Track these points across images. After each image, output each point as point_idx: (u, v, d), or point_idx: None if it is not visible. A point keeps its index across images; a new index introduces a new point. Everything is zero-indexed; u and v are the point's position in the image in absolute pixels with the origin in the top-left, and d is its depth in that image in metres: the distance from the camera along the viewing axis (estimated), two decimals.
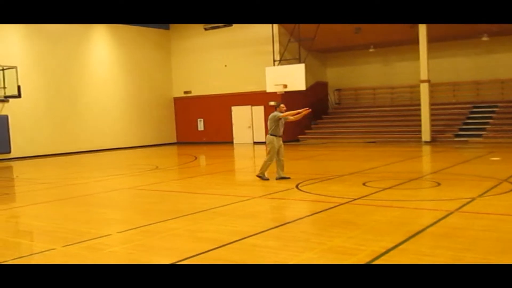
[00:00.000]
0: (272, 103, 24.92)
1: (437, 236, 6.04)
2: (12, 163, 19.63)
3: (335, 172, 12.76)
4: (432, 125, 21.85)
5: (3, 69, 18.07)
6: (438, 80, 24.37)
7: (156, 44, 27.35)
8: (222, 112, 26.74)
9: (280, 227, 6.84)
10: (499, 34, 22.41)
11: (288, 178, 11.39)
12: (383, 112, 25.61)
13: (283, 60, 23.08)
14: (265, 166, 11.43)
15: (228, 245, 5.97)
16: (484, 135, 20.85)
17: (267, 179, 11.38)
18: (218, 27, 25.80)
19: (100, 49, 24.76)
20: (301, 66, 21.57)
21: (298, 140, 25.48)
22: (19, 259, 5.76)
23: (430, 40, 21.97)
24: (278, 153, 11.41)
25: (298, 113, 11.74)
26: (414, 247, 5.59)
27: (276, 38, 23.84)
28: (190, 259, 5.44)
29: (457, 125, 22.46)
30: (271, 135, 11.36)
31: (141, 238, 6.53)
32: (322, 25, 21.43)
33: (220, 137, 26.78)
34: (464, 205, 7.79)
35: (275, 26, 23.77)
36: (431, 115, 22.01)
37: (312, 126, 26.50)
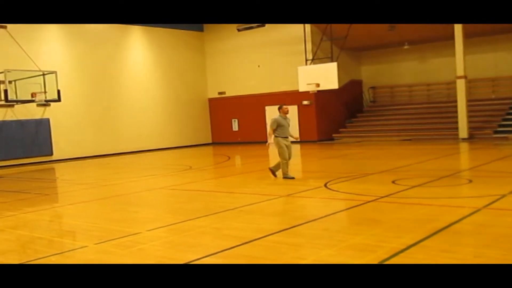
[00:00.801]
0: (305, 102, 25.05)
1: (460, 233, 6.03)
2: (54, 165, 20.35)
3: (365, 170, 12.75)
4: (470, 122, 21.45)
5: (43, 74, 18.75)
6: (477, 76, 23.86)
7: (191, 45, 27.79)
8: (256, 112, 26.93)
9: (304, 224, 6.94)
10: None
11: (293, 177, 11.61)
12: (419, 110, 25.28)
13: (316, 59, 23.09)
14: (285, 167, 11.68)
15: (251, 242, 6.12)
16: None
17: (293, 178, 11.58)
18: (251, 27, 26.00)
19: (137, 51, 25.36)
20: (334, 65, 21.52)
21: (332, 139, 25.43)
22: (52, 256, 6.06)
23: (467, 35, 21.57)
24: None
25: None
26: (435, 244, 5.62)
27: (309, 38, 23.87)
28: (214, 255, 5.63)
29: (496, 121, 21.96)
30: (276, 136, 11.68)
31: (169, 236, 6.76)
32: (354, 24, 21.33)
33: (255, 137, 26.95)
34: (492, 202, 7.71)
35: (307, 25, 23.80)
36: (469, 111, 21.63)
37: (347, 124, 26.40)
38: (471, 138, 20.95)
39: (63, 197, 11.50)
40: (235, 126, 28.09)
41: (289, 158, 11.76)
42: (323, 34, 23.21)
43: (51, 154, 21.41)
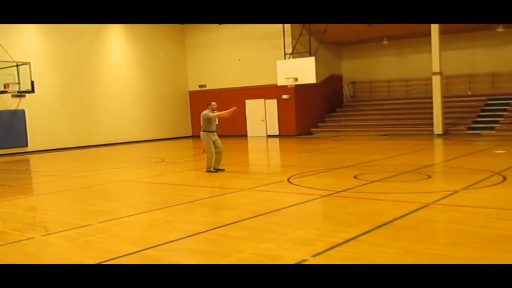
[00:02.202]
0: (285, 96, 25.12)
1: (400, 228, 6.14)
2: (28, 156, 20.26)
3: (333, 165, 12.86)
4: (445, 118, 21.66)
5: (17, 65, 18.61)
6: (454, 72, 24.11)
7: (171, 39, 27.71)
8: (236, 106, 26.82)
9: (254, 218, 7.01)
10: None
11: (223, 170, 12.07)
12: (397, 105, 25.45)
13: (296, 53, 23.15)
14: (209, 161, 12.07)
15: (197, 235, 6.19)
16: (497, 128, 20.57)
17: (216, 171, 12.00)
18: None
19: (116, 44, 25.24)
20: (311, 59, 21.61)
21: (311, 133, 25.54)
22: None
23: (445, 32, 21.75)
24: (215, 146, 12.00)
25: (228, 112, 12.47)
26: (372, 238, 5.72)
27: (288, 32, 23.92)
28: (154, 248, 5.68)
29: (471, 117, 22.19)
30: (204, 131, 12.07)
31: (119, 228, 6.81)
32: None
33: (235, 130, 26.98)
34: (443, 197, 7.84)
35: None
36: (445, 107, 21.83)
37: (326, 119, 26.52)
38: (446, 134, 21.15)
39: (27, 189, 11.49)
40: (215, 120, 28.04)
41: (222, 151, 12.20)
42: (302, 28, 23.26)
43: (26, 145, 21.30)
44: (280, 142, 22.87)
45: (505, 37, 22.94)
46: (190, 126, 28.92)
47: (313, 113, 26.06)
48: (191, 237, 6.11)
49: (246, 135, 26.73)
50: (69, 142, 22.87)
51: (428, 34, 21.11)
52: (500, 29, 22.28)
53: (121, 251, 5.61)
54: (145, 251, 5.59)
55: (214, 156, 12.09)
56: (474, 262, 4.64)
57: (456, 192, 8.33)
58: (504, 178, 9.44)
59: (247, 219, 6.97)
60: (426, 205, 7.29)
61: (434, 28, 20.72)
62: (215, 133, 12.19)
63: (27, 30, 21.50)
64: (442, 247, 5.24)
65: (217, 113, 12.21)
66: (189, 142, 25.28)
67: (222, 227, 6.53)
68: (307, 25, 22.41)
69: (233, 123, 27.11)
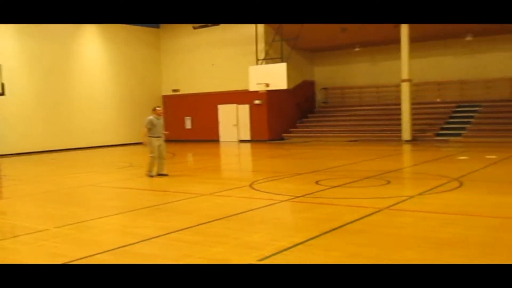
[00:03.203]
0: (257, 101, 25.27)
1: (350, 232, 6.29)
2: (0, 160, 20.02)
3: (298, 170, 13.02)
4: (414, 124, 22.04)
5: None
6: (424, 79, 24.56)
7: (146, 42, 27.67)
8: (209, 111, 27.02)
9: (210, 223, 7.10)
10: (482, 34, 22.55)
11: (167, 175, 12.37)
12: (368, 111, 25.81)
13: (269, 59, 23.31)
14: (151, 165, 12.30)
15: (150, 240, 6.25)
16: (464, 134, 21.01)
17: (158, 176, 12.24)
18: (207, 26, 26.10)
19: (91, 47, 25.10)
20: (283, 65, 21.76)
21: (283, 139, 25.72)
22: None
23: (416, 39, 22.16)
24: (159, 151, 12.28)
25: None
26: (321, 242, 5.85)
27: (262, 38, 24.10)
28: (106, 252, 5.73)
29: (439, 124, 22.63)
30: (149, 136, 12.35)
31: (74, 233, 6.82)
32: (306, 24, 21.62)
33: (207, 135, 27.06)
34: (398, 203, 8.03)
35: (260, 25, 24.01)
36: (415, 114, 22.22)
37: (298, 124, 26.74)
38: (414, 140, 21.53)
39: None
40: (188, 124, 28.11)
41: (164, 157, 12.44)
42: (275, 34, 23.45)
43: None
44: (251, 147, 23.00)
45: (473, 46, 23.47)
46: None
47: (285, 118, 26.26)
48: (144, 241, 6.17)
49: (218, 140, 26.80)
50: (42, 146, 22.63)
51: (398, 42, 21.49)
52: (468, 38, 22.78)
53: (72, 256, 5.64)
54: (96, 255, 5.63)
55: (157, 161, 12.31)
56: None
57: (411, 197, 8.54)
58: (461, 184, 9.70)
59: (202, 223, 7.04)
60: (379, 210, 7.46)
61: (404, 35, 21.11)
62: (160, 138, 12.37)
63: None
64: (386, 251, 5.39)
65: (144, 131, 12.40)
66: None
67: (177, 232, 6.60)
68: (279, 30, 22.61)
69: (205, 128, 27.20)
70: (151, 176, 12.19)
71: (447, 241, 5.59)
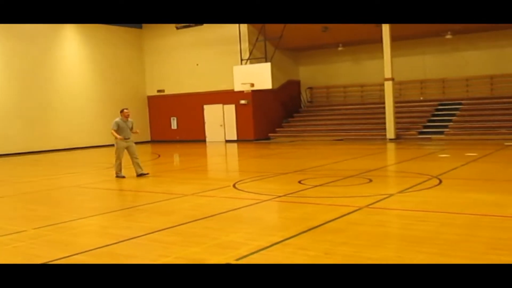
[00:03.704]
0: (242, 101, 25.29)
1: (327, 231, 6.33)
2: None
3: (282, 170, 13.06)
4: (397, 123, 22.20)
5: None
6: (406, 78, 24.75)
7: (129, 43, 27.55)
8: (194, 111, 26.99)
9: (190, 223, 7.11)
10: (462, 32, 22.78)
11: (147, 174, 12.56)
12: (352, 110, 25.94)
13: (253, 59, 23.33)
14: (116, 166, 12.44)
15: (128, 240, 6.25)
16: (446, 132, 21.22)
17: (124, 177, 12.32)
18: (190, 26, 26.07)
19: (71, 47, 24.95)
20: (267, 65, 21.81)
21: (269, 139, 25.77)
22: None
23: (397, 38, 22.31)
24: (129, 153, 12.37)
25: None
26: (298, 241, 5.89)
27: (245, 38, 24.12)
28: (83, 253, 5.73)
29: (422, 122, 22.82)
30: (116, 138, 12.42)
31: (52, 234, 6.80)
32: (289, 24, 21.68)
33: (193, 135, 27.04)
34: (377, 201, 8.09)
35: (243, 25, 24.03)
36: (398, 112, 22.39)
37: (284, 124, 26.80)
38: (398, 138, 21.69)
39: None
40: (174, 124, 28.05)
41: (136, 157, 12.53)
42: (258, 33, 23.47)
43: None
44: (236, 147, 23.01)
45: (453, 44, 23.70)
46: (149, 131, 28.78)
47: (270, 118, 26.30)
48: (122, 242, 6.17)
49: (204, 140, 26.78)
50: (23, 147, 22.48)
51: (380, 41, 21.62)
52: (448, 36, 22.99)
53: (48, 256, 5.63)
54: (73, 256, 5.63)
55: (132, 163, 12.50)
56: (387, 262, 4.86)
57: (390, 195, 8.62)
58: (440, 181, 9.80)
59: (182, 224, 7.06)
60: (359, 209, 7.52)
61: (386, 34, 21.24)
62: (128, 140, 12.44)
63: None
64: (361, 248, 5.44)
65: (113, 131, 12.36)
66: (146, 147, 25.16)
67: (155, 232, 6.60)
68: (263, 30, 22.64)
69: (191, 128, 27.17)
70: (122, 177, 12.28)
71: (419, 238, 5.65)
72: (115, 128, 12.28)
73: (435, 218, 6.68)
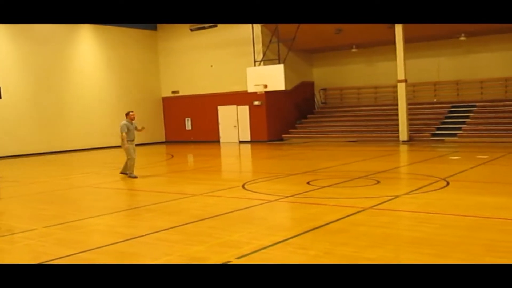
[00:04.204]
0: (256, 102, 25.41)
1: (329, 231, 6.42)
2: None
3: (292, 170, 13.14)
4: (411, 125, 22.12)
5: None
6: (421, 80, 24.65)
7: (144, 45, 27.84)
8: (208, 112, 27.18)
9: (195, 223, 7.25)
10: (476, 34, 22.62)
11: (135, 177, 12.67)
12: (366, 112, 25.90)
13: (266, 60, 23.44)
14: (130, 166, 12.75)
15: (134, 239, 6.41)
16: (459, 135, 21.09)
17: (136, 177, 12.60)
18: (204, 28, 26.27)
19: (87, 49, 25.31)
20: (280, 67, 21.89)
21: (282, 139, 25.85)
22: None
23: (411, 40, 22.24)
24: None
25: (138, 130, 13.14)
26: (300, 241, 6.00)
27: (259, 39, 24.23)
28: (89, 251, 5.90)
29: (435, 124, 22.70)
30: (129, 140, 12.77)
31: (61, 232, 6.99)
32: (302, 26, 21.75)
33: (207, 136, 27.22)
34: (382, 202, 8.14)
35: (257, 27, 24.15)
36: (411, 114, 22.31)
37: (297, 125, 26.86)
38: (410, 140, 21.61)
39: None
40: (188, 125, 28.28)
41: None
42: (272, 35, 23.57)
43: None
44: (250, 148, 23.13)
45: (467, 46, 23.55)
46: (164, 131, 29.05)
47: (284, 119, 26.38)
48: (128, 241, 6.33)
49: (218, 141, 26.95)
50: (39, 148, 22.86)
51: (394, 42, 21.57)
52: (462, 37, 22.86)
53: (57, 254, 5.81)
54: (80, 254, 5.80)
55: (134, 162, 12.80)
56: (384, 263, 4.94)
57: (396, 197, 8.66)
58: (447, 183, 9.81)
59: (188, 223, 7.20)
60: (363, 210, 7.59)
61: (399, 36, 21.19)
62: (133, 142, 12.90)
63: None
64: (360, 248, 5.52)
65: (123, 136, 12.68)
66: (161, 148, 25.43)
67: (161, 232, 6.75)
68: (276, 32, 22.73)
69: (206, 129, 27.38)
70: (134, 177, 12.56)
71: (419, 239, 5.72)
72: (125, 131, 12.60)
73: (437, 220, 6.72)
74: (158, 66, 28.73)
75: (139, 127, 13.05)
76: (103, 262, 5.44)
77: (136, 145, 13.31)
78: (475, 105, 22.97)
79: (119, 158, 20.28)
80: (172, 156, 20.13)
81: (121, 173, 12.94)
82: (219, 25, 25.82)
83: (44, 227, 7.33)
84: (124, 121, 12.79)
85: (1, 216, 8.63)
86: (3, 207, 9.55)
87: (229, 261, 5.23)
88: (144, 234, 6.62)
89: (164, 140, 28.99)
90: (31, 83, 22.83)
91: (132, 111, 13.16)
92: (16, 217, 8.43)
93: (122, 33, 26.51)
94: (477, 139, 20.23)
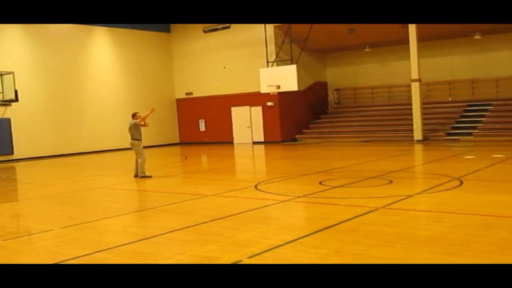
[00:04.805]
0: (269, 103, 25.47)
1: (340, 230, 6.45)
2: (14, 164, 20.54)
3: (304, 171, 13.17)
4: (425, 124, 22.01)
5: (1, 75, 18.94)
6: (435, 79, 24.51)
7: (157, 46, 28.06)
8: (222, 113, 27.30)
9: (208, 223, 7.31)
10: (491, 32, 22.44)
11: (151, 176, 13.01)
12: (380, 111, 25.81)
13: (279, 61, 23.48)
14: (142, 167, 13.05)
15: (147, 239, 6.50)
16: (474, 134, 20.93)
17: (151, 176, 12.97)
18: (217, 29, 26.39)
19: (101, 52, 25.58)
20: (293, 67, 21.92)
21: (295, 140, 25.87)
22: None
23: (425, 39, 22.15)
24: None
25: (146, 115, 13.59)
26: (310, 240, 6.03)
27: (272, 40, 24.27)
28: (103, 251, 5.99)
29: (450, 123, 22.55)
30: (135, 139, 13.31)
31: (76, 233, 7.11)
32: (315, 26, 21.74)
33: (221, 137, 27.34)
34: (394, 202, 8.14)
35: (270, 27, 24.19)
36: (426, 113, 22.19)
37: (311, 126, 26.85)
38: (425, 140, 21.50)
39: (1, 196, 11.76)
40: (202, 127, 28.42)
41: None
42: (285, 36, 23.61)
43: (12, 153, 21.58)
44: (263, 149, 23.19)
45: (482, 44, 23.36)
46: (178, 133, 29.23)
47: (297, 119, 26.39)
48: (141, 241, 6.42)
49: (232, 142, 27.05)
50: (55, 150, 23.15)
51: (407, 42, 21.48)
52: (477, 36, 22.69)
53: (72, 254, 5.91)
54: (95, 254, 5.90)
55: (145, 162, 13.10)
56: (395, 262, 4.96)
57: (409, 196, 8.65)
58: (461, 183, 9.77)
59: (200, 223, 7.27)
60: (375, 209, 7.60)
61: (412, 35, 21.10)
62: (141, 142, 13.33)
63: (11, 39, 21.83)
64: (370, 247, 5.54)
65: (140, 118, 13.33)
66: (176, 149, 25.59)
67: (174, 232, 6.83)
68: (289, 32, 22.75)
69: (219, 130, 27.50)
70: (149, 177, 12.86)
71: (430, 238, 5.72)
72: (135, 128, 13.10)
73: (449, 219, 6.71)
74: (171, 68, 28.92)
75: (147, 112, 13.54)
76: (117, 262, 5.53)
77: (151, 146, 13.49)
78: (491, 103, 22.77)
79: (133, 160, 20.51)
80: (186, 157, 20.26)
81: (136, 176, 13.02)
82: (232, 26, 25.93)
83: (60, 228, 7.46)
84: (134, 121, 13.22)
85: (19, 218, 8.79)
86: (21, 209, 9.73)
87: (241, 261, 5.28)
88: (158, 234, 6.70)
89: (178, 141, 29.17)
90: (47, 86, 23.14)
91: (138, 112, 13.73)
92: (33, 219, 8.59)
93: (136, 35, 26.75)
94: (493, 138, 20.06)
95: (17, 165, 20.42)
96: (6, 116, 21.44)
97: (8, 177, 15.87)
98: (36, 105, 22.60)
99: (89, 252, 5.95)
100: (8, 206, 10.18)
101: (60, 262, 5.58)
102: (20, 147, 21.91)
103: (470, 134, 21.02)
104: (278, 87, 22.48)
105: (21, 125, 21.94)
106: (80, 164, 19.80)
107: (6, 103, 20.15)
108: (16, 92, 19.28)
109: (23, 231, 7.46)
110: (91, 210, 9.20)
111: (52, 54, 23.27)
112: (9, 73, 19.20)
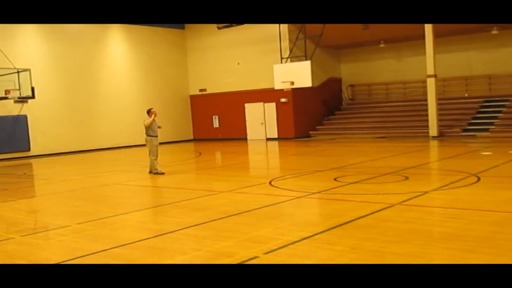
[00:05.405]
0: (283, 99, 25.43)
1: (356, 227, 6.43)
2: (30, 161, 20.76)
3: (319, 167, 13.13)
4: (441, 120, 21.83)
5: (18, 72, 19.14)
6: (451, 74, 24.30)
7: (172, 43, 28.15)
8: (236, 109, 27.32)
9: (223, 219, 7.34)
10: (509, 28, 22.16)
11: (164, 173, 13.08)
12: (395, 107, 25.66)
13: (293, 57, 23.43)
14: (154, 163, 13.13)
15: (164, 235, 6.54)
16: (491, 130, 20.71)
17: (163, 173, 13.02)
18: (231, 26, 26.36)
19: (117, 49, 25.74)
20: (307, 63, 21.86)
21: (309, 136, 25.81)
22: None
23: (440, 34, 21.94)
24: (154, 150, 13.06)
25: (150, 121, 13.42)
26: (326, 236, 6.03)
27: (286, 36, 24.23)
28: (121, 247, 6.04)
29: (467, 119, 22.34)
30: (148, 136, 13.33)
31: (94, 229, 7.17)
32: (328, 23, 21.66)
33: (235, 133, 27.37)
34: (410, 198, 8.10)
35: (284, 24, 24.13)
36: (442, 109, 22.02)
37: (324, 122, 26.78)
38: (441, 136, 21.33)
39: (19, 192, 11.88)
40: (215, 123, 28.48)
41: (157, 155, 13.31)
42: (299, 32, 23.54)
43: (29, 149, 21.83)
44: (277, 145, 23.16)
45: (499, 40, 23.09)
46: (192, 129, 29.33)
47: (311, 116, 26.33)
48: (158, 236, 6.46)
49: (246, 138, 27.07)
50: (71, 146, 23.37)
51: (423, 37, 21.31)
52: (494, 31, 22.44)
53: (90, 250, 5.98)
54: (112, 249, 5.95)
55: (156, 159, 13.15)
56: (412, 258, 4.93)
57: (425, 193, 8.60)
58: (478, 179, 9.68)
59: (216, 219, 7.29)
60: (391, 206, 7.56)
61: (428, 31, 20.92)
62: (157, 138, 13.36)
63: (28, 37, 22.05)
64: (387, 244, 5.52)
65: (148, 121, 13.26)
66: (190, 145, 25.68)
67: (190, 227, 6.86)
68: (303, 29, 22.69)
69: (233, 126, 27.53)
70: (162, 173, 12.94)
71: (447, 235, 5.68)
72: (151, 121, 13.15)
73: (466, 216, 6.66)
74: (186, 64, 29.00)
75: (158, 124, 13.58)
76: (134, 257, 5.58)
77: (165, 143, 13.59)
78: (508, 99, 22.51)
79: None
80: (200, 153, 20.33)
81: (151, 172, 13.15)
82: (246, 23, 25.91)
83: (77, 223, 7.53)
84: (149, 118, 13.30)
85: (36, 214, 8.90)
86: (38, 205, 9.85)
87: (257, 257, 5.30)
88: (173, 230, 6.75)
89: (192, 138, 29.27)
90: (63, 82, 23.35)
91: (152, 108, 13.78)
92: (50, 214, 8.68)
93: (150, 32, 26.86)
94: (510, 134, 19.85)
95: (33, 161, 20.63)
96: (22, 113, 21.68)
97: (25, 173, 16.06)
98: (53, 102, 22.81)
99: (107, 248, 6.00)
100: (25, 202, 10.31)
101: (78, 257, 5.64)
102: (37, 144, 22.15)
103: (487, 130, 20.81)
104: (292, 83, 22.43)
105: (37, 121, 22.17)
106: (96, 160, 19.95)
107: (23, 100, 20.37)
108: (32, 89, 19.46)
109: (40, 227, 7.55)
110: (107, 205, 9.28)
111: (68, 51, 23.46)
112: (25, 70, 19.38)
